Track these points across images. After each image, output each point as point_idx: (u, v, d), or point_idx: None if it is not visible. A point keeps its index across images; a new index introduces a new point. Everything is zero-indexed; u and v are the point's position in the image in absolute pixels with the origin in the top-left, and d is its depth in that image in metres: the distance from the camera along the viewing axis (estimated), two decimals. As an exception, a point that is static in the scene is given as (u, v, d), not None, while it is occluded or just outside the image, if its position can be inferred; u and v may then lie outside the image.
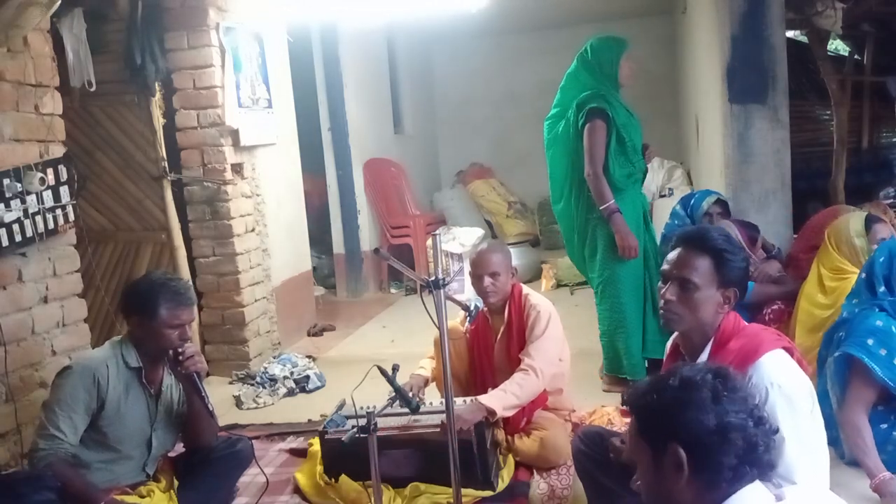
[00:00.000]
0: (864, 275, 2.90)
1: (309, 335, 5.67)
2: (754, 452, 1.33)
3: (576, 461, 2.58)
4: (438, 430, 2.83)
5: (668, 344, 2.26)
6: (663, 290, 2.05)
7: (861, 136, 6.49)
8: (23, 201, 3.16)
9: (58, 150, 3.42)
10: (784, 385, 1.84)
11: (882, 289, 2.79)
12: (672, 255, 2.07)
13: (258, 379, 4.51)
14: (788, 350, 1.96)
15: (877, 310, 2.75)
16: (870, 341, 2.66)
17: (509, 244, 6.45)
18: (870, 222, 3.30)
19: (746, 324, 2.07)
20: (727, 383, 1.36)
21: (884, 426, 2.72)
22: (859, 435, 2.61)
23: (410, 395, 2.66)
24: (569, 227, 3.98)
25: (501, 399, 2.94)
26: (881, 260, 2.83)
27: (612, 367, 3.95)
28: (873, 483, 2.51)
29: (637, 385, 1.46)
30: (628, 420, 1.51)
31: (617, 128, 3.72)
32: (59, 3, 2.83)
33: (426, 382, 3.32)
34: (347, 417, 2.93)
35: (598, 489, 2.46)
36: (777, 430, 1.43)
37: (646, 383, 1.43)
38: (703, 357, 2.00)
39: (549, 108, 4.01)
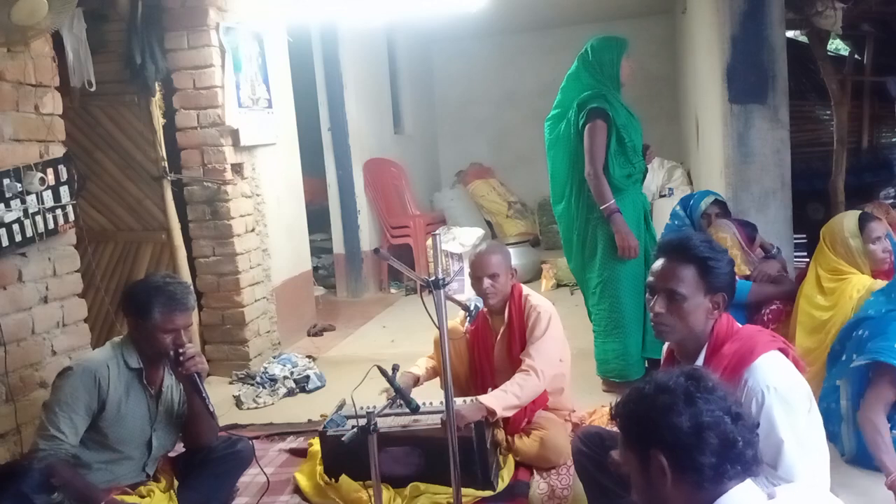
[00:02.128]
0: None
1: (309, 335, 5.67)
2: (733, 449, 1.34)
3: (576, 461, 2.58)
4: (439, 426, 2.83)
5: (664, 349, 2.26)
6: (651, 302, 2.04)
7: (861, 136, 6.47)
8: (23, 201, 3.16)
9: (58, 150, 3.42)
10: (780, 387, 1.84)
11: None
12: (656, 265, 2.07)
13: (258, 379, 4.51)
14: (783, 351, 1.96)
15: None
16: None
17: (509, 244, 6.46)
18: (864, 221, 3.30)
19: (740, 326, 2.06)
20: (700, 384, 1.38)
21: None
22: (878, 433, 2.61)
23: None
24: (568, 229, 3.97)
25: (501, 399, 2.94)
26: None
27: (603, 370, 3.94)
28: (889, 481, 2.51)
29: (621, 396, 1.48)
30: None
31: (617, 128, 3.72)
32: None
33: (416, 381, 3.31)
34: (347, 417, 2.94)
35: (598, 489, 2.46)
36: (758, 425, 1.44)
37: (626, 393, 1.45)
38: (699, 363, 2.00)
39: (550, 108, 4.01)
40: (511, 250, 3.50)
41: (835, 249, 3.31)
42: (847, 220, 3.33)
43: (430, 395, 3.25)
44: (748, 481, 1.35)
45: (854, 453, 2.79)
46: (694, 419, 1.33)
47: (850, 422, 2.80)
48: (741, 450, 1.34)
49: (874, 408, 2.66)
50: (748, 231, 3.89)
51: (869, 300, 2.97)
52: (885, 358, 2.66)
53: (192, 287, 2.89)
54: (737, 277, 3.21)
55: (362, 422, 2.27)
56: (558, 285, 6.64)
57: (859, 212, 3.42)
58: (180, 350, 2.63)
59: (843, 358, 2.91)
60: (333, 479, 3.00)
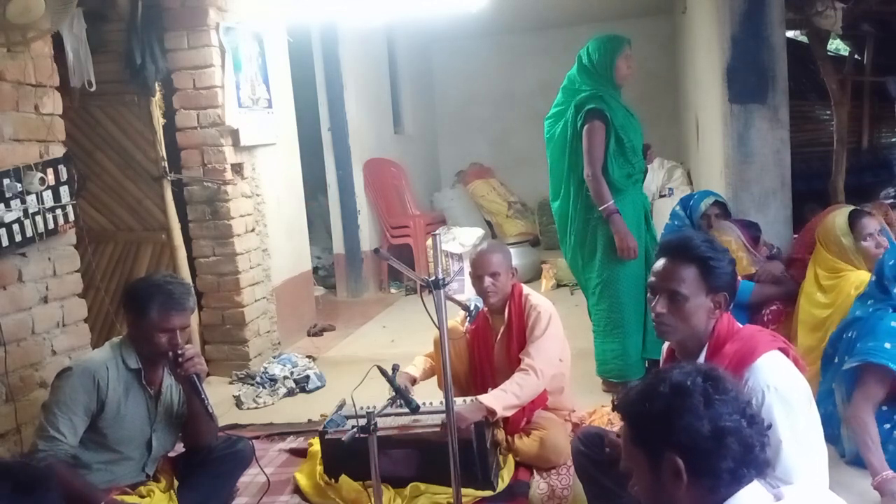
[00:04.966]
0: (874, 277, 2.90)
1: (309, 335, 5.66)
2: (751, 453, 1.32)
3: (575, 461, 2.59)
4: (438, 429, 2.83)
5: (664, 348, 2.26)
6: (653, 302, 2.04)
7: (861, 136, 6.47)
8: (23, 201, 3.16)
9: (58, 150, 3.42)
10: (780, 387, 1.84)
11: None
12: (658, 265, 2.06)
13: (258, 379, 4.51)
14: (784, 351, 1.96)
15: (890, 310, 2.75)
16: (887, 345, 2.66)
17: (509, 244, 6.45)
18: (855, 218, 3.29)
19: (741, 326, 2.06)
20: (718, 385, 1.35)
21: (887, 426, 2.73)
22: (866, 432, 2.61)
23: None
24: (563, 225, 3.99)
25: (501, 399, 2.94)
26: (891, 263, 2.84)
27: (602, 371, 3.94)
28: (875, 481, 2.51)
29: (627, 392, 1.44)
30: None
31: (615, 129, 3.72)
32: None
33: (413, 381, 3.31)
34: (347, 417, 2.94)
35: (598, 489, 2.47)
36: (770, 426, 1.43)
37: (636, 390, 1.41)
38: (700, 362, 1.99)
39: (549, 108, 4.02)
40: (511, 250, 3.50)
41: (828, 248, 3.33)
42: (838, 218, 3.33)
43: (430, 395, 3.26)
44: (755, 482, 1.34)
45: (854, 454, 2.79)
46: (714, 424, 1.30)
47: (847, 422, 2.80)
48: (757, 454, 1.33)
49: (863, 407, 2.66)
50: (751, 231, 3.87)
51: (855, 302, 2.97)
52: (874, 358, 2.66)
53: (192, 288, 2.88)
54: (742, 278, 3.23)
55: (362, 422, 2.27)
56: (558, 285, 6.63)
57: (850, 209, 3.42)
58: (179, 351, 2.62)
59: (836, 361, 2.91)
60: (333, 479, 3.00)
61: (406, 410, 2.53)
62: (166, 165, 4.47)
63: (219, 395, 4.19)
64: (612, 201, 3.71)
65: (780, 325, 3.52)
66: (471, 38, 8.89)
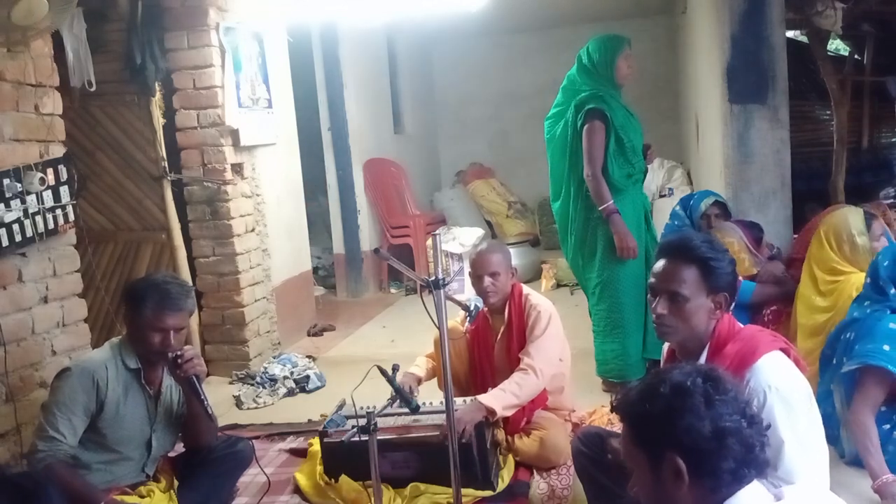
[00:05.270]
0: (868, 279, 2.89)
1: (309, 335, 5.66)
2: (751, 453, 1.33)
3: (575, 461, 2.59)
4: (438, 434, 2.83)
5: (664, 349, 2.26)
6: (654, 303, 2.04)
7: (861, 136, 6.47)
8: (23, 201, 3.16)
9: (58, 150, 3.42)
10: (781, 387, 1.84)
11: (893, 291, 2.78)
12: (658, 267, 2.06)
13: (258, 379, 4.51)
14: (785, 351, 1.96)
15: (888, 312, 2.74)
16: (886, 347, 2.65)
17: (509, 244, 6.46)
18: (868, 218, 3.26)
19: (742, 326, 2.06)
20: (718, 386, 1.35)
21: (886, 426, 2.72)
22: (867, 435, 2.60)
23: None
24: (564, 226, 3.99)
25: (501, 399, 2.94)
26: (885, 264, 2.83)
27: (603, 371, 3.95)
28: (875, 484, 2.51)
29: (627, 392, 1.44)
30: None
31: (615, 129, 3.72)
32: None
33: (419, 381, 3.32)
34: (347, 417, 2.94)
35: (598, 489, 2.47)
36: (770, 427, 1.43)
37: (636, 390, 1.41)
38: (701, 362, 1.99)
39: (549, 107, 4.02)
40: (511, 250, 3.50)
41: (839, 248, 3.25)
42: (852, 218, 3.27)
43: (430, 395, 3.26)
44: (755, 482, 1.35)
45: (854, 455, 2.78)
46: (714, 424, 1.31)
47: (847, 425, 2.80)
48: (757, 454, 1.33)
49: (862, 410, 2.65)
50: (754, 232, 3.86)
51: (853, 304, 2.96)
52: (873, 361, 2.65)
53: (192, 290, 2.87)
54: (743, 278, 3.22)
55: (362, 422, 2.27)
56: (558, 285, 6.64)
57: (861, 209, 3.39)
58: (178, 353, 2.61)
59: (834, 362, 2.90)
60: (333, 480, 3.00)
61: (406, 410, 2.53)
62: (166, 165, 4.47)
63: (219, 395, 4.19)
64: (612, 201, 3.71)
65: (780, 325, 3.52)
66: (471, 38, 8.89)
